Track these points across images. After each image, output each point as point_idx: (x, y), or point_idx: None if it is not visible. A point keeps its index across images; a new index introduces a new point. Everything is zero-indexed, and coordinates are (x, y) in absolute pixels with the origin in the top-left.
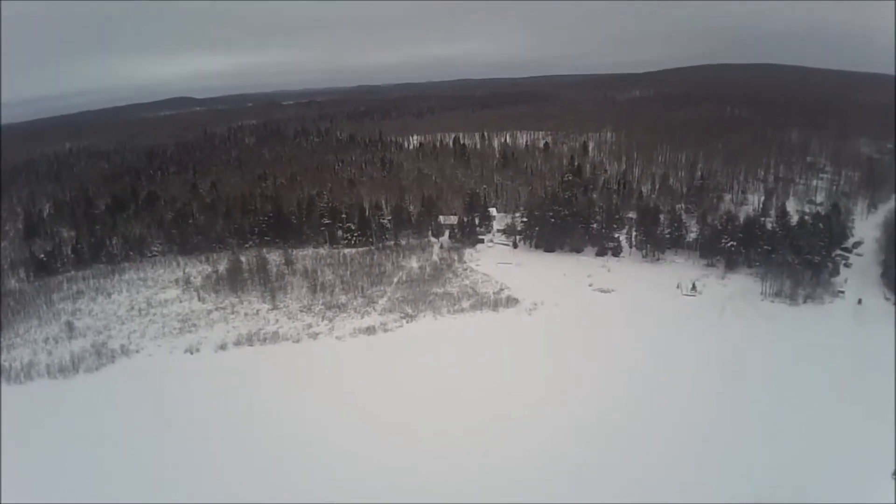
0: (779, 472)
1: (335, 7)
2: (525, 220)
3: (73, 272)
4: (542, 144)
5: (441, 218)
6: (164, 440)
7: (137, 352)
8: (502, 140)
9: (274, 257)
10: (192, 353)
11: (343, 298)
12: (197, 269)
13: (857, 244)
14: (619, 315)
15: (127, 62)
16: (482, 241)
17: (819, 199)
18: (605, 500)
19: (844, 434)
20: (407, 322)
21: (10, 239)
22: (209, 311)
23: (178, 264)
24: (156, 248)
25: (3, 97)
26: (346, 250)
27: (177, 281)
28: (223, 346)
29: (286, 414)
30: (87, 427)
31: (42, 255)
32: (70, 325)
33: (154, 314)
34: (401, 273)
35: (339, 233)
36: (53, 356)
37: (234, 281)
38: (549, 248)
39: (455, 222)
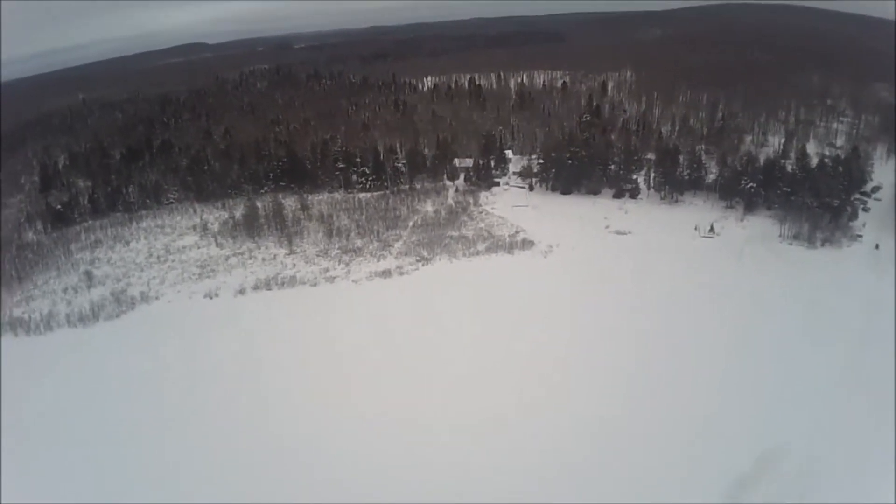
0: (791, 419)
1: None
2: (541, 162)
3: (90, 222)
4: (559, 85)
5: (456, 161)
6: (185, 384)
7: (157, 298)
8: (518, 80)
9: (289, 202)
10: (211, 298)
11: (359, 242)
12: (214, 216)
13: (875, 189)
14: (635, 257)
15: (135, 10)
16: (498, 183)
17: (839, 142)
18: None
19: (857, 381)
20: (423, 265)
21: (26, 192)
22: (227, 257)
23: (195, 211)
24: (172, 196)
25: (13, 52)
26: (361, 195)
27: (194, 227)
28: (242, 291)
29: (304, 357)
30: (109, 373)
31: (59, 207)
32: (89, 275)
33: (172, 261)
34: (416, 217)
35: (354, 177)
36: (73, 306)
37: (250, 226)
38: (566, 191)
39: (470, 165)
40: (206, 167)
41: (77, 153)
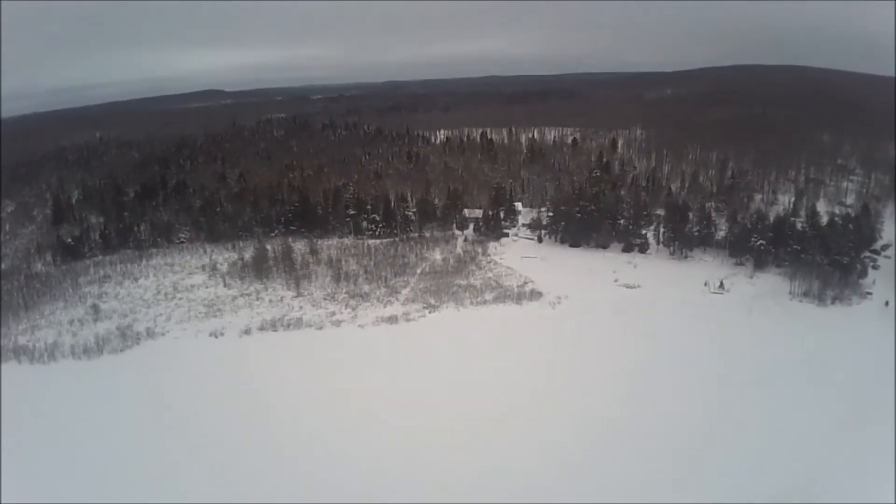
0: (799, 473)
1: (363, 4)
2: (551, 214)
3: (100, 257)
4: (570, 141)
5: (466, 211)
6: (186, 421)
7: (163, 334)
8: (530, 136)
9: (299, 246)
10: (216, 337)
11: (366, 288)
12: (223, 256)
13: (885, 247)
14: (644, 311)
15: (156, 55)
16: (507, 234)
17: (849, 200)
18: (611, 497)
19: (868, 434)
20: (429, 312)
21: (38, 224)
22: (234, 297)
23: (205, 251)
24: (183, 235)
25: (36, 86)
26: (371, 241)
27: (203, 267)
28: (247, 331)
29: (307, 398)
30: (111, 406)
31: (69, 240)
32: (96, 308)
33: (180, 298)
34: (424, 264)
35: (364, 224)
36: (78, 338)
37: (259, 268)
38: (575, 244)
39: (480, 216)
40: (218, 209)
41: (91, 189)
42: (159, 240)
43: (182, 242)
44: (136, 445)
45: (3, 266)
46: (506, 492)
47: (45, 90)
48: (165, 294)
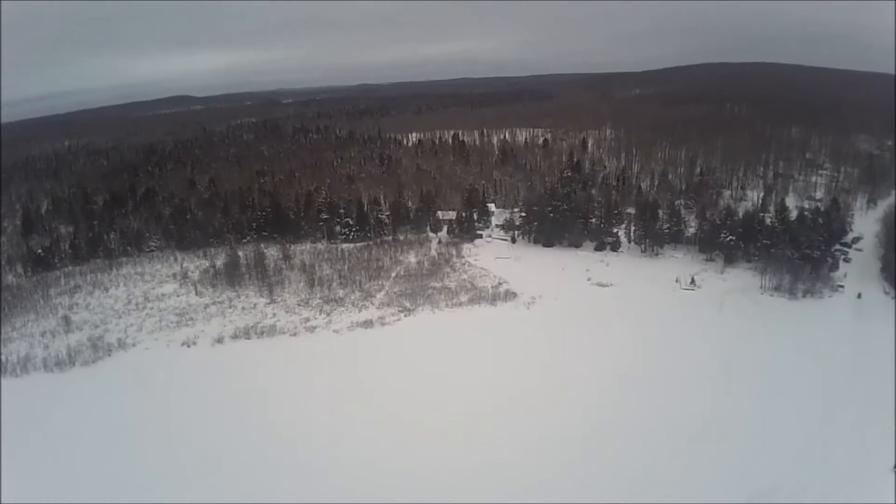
0: (777, 469)
1: (334, 6)
2: (524, 215)
3: (70, 267)
4: (541, 141)
5: (439, 213)
6: (159, 432)
7: (134, 345)
8: (501, 137)
9: (272, 252)
10: (188, 347)
11: (341, 293)
12: (195, 264)
13: (856, 239)
14: (617, 309)
15: (124, 60)
16: (480, 236)
17: (818, 195)
18: (591, 497)
19: (843, 429)
20: (405, 316)
21: (7, 235)
22: (206, 306)
23: (176, 259)
24: (153, 244)
25: (3, 96)
26: (344, 245)
27: (174, 275)
28: (220, 340)
29: (282, 407)
30: (83, 420)
31: (39, 251)
32: (67, 320)
33: (151, 308)
34: (399, 268)
35: (338, 228)
36: (50, 350)
37: (231, 275)
38: (548, 243)
39: (453, 217)
40: (188, 216)
41: (60, 198)
42: (129, 248)
43: (152, 251)
44: (110, 456)
45: None
46: (484, 492)
47: (11, 100)
48: (136, 304)
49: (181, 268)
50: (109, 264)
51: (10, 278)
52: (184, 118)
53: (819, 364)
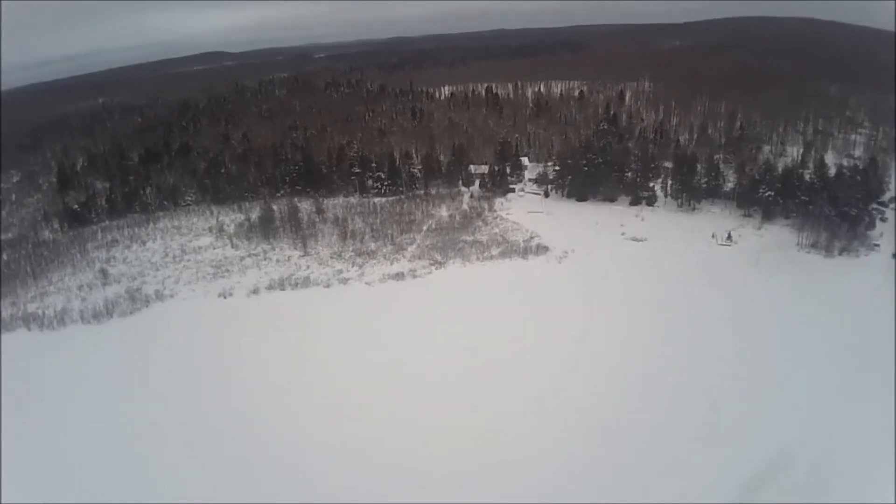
0: (805, 426)
1: None
2: (557, 168)
3: (107, 222)
4: (576, 94)
5: (472, 167)
6: (197, 382)
7: (171, 296)
8: (536, 89)
9: (305, 206)
10: (224, 298)
11: (373, 245)
12: (230, 218)
13: (893, 199)
14: (651, 264)
15: (157, 18)
16: (513, 190)
17: (857, 153)
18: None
19: (873, 389)
20: (436, 268)
21: (43, 192)
22: (242, 258)
23: (212, 213)
24: (189, 198)
25: (34, 57)
26: (376, 199)
27: (210, 229)
28: (255, 291)
29: (315, 356)
30: (122, 369)
31: (76, 206)
32: (104, 273)
33: (188, 260)
34: (430, 221)
35: (369, 182)
36: (87, 302)
37: (266, 228)
38: (582, 198)
39: (486, 171)
40: (223, 170)
41: (95, 155)
42: (165, 203)
43: (188, 205)
44: (147, 408)
45: (10, 235)
46: (516, 454)
47: (45, 60)
48: (173, 256)
49: (217, 221)
50: (146, 218)
51: (46, 234)
52: (216, 74)
53: (851, 323)
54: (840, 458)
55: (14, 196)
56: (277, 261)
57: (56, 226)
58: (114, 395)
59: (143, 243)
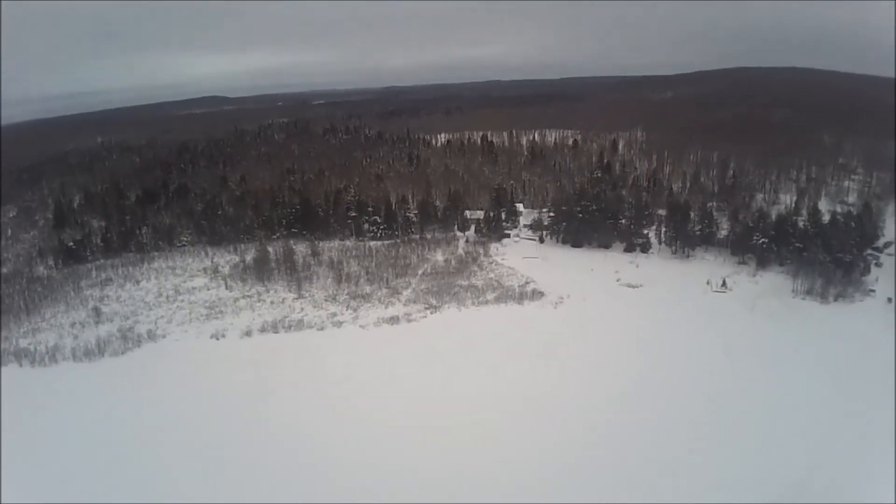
0: (804, 471)
1: (366, 8)
2: (552, 215)
3: (101, 260)
4: (571, 142)
5: (467, 212)
6: (188, 423)
7: (164, 336)
8: (531, 138)
9: (301, 248)
10: (217, 339)
11: (368, 289)
12: (225, 259)
13: (888, 244)
14: (646, 310)
15: (158, 60)
16: (508, 235)
17: (851, 199)
18: (617, 498)
19: (873, 432)
20: (431, 313)
21: (39, 228)
22: (236, 299)
23: (207, 254)
24: (185, 239)
25: (36, 93)
26: (372, 243)
27: (205, 270)
28: (248, 333)
29: (309, 399)
30: (111, 409)
31: (71, 244)
32: (97, 311)
33: (181, 301)
34: (426, 265)
35: (366, 226)
36: (79, 340)
37: (260, 270)
38: (577, 244)
39: (481, 217)
40: (220, 212)
41: (93, 193)
42: (161, 243)
43: (184, 245)
44: (137, 448)
45: (4, 270)
46: (508, 493)
47: (47, 96)
48: (167, 296)
49: (212, 262)
50: (141, 258)
51: (41, 270)
52: (216, 118)
53: (848, 368)
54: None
55: (10, 231)
56: (272, 303)
57: (51, 262)
58: (103, 436)
59: (137, 283)
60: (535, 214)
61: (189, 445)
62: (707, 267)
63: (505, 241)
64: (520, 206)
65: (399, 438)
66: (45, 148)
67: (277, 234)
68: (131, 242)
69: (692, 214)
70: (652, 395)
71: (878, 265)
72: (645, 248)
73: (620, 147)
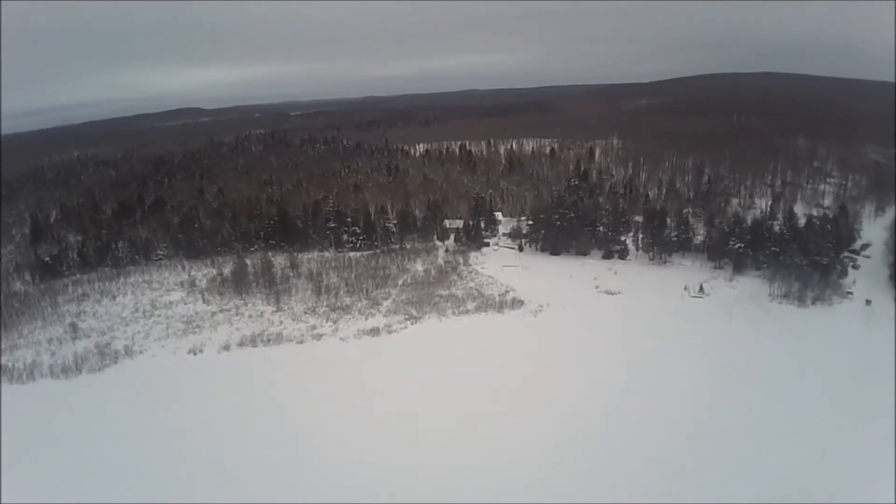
0: (782, 477)
1: (343, 20)
2: (531, 223)
3: (78, 275)
4: (548, 151)
5: (446, 222)
6: (164, 439)
7: (141, 352)
8: (508, 147)
9: (279, 260)
10: (195, 354)
11: (347, 300)
12: (202, 272)
13: (865, 246)
14: (625, 317)
15: (134, 73)
16: (487, 244)
17: (827, 202)
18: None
19: (851, 438)
20: (411, 323)
21: (16, 243)
22: (213, 313)
23: (184, 268)
24: (161, 252)
25: (10, 107)
26: (351, 254)
27: (182, 284)
28: (226, 347)
29: (287, 414)
30: (88, 427)
31: (48, 259)
32: (74, 327)
33: (158, 316)
34: (405, 276)
35: (345, 237)
36: (57, 356)
37: (238, 283)
38: (555, 252)
39: (460, 226)
40: (196, 225)
41: (69, 207)
42: (137, 257)
43: (160, 259)
44: (115, 463)
45: None
46: (484, 496)
47: (23, 111)
48: (143, 312)
49: (189, 276)
50: (117, 272)
51: (17, 286)
52: (192, 130)
53: (827, 371)
54: None
55: None
56: (250, 316)
57: (27, 278)
58: (80, 454)
59: (114, 298)
60: (513, 223)
61: (168, 462)
62: (684, 273)
63: (484, 249)
64: (498, 215)
65: (380, 451)
66: (22, 163)
67: (255, 247)
68: (107, 257)
69: (668, 221)
70: (634, 402)
71: (856, 268)
72: (623, 254)
73: (597, 155)
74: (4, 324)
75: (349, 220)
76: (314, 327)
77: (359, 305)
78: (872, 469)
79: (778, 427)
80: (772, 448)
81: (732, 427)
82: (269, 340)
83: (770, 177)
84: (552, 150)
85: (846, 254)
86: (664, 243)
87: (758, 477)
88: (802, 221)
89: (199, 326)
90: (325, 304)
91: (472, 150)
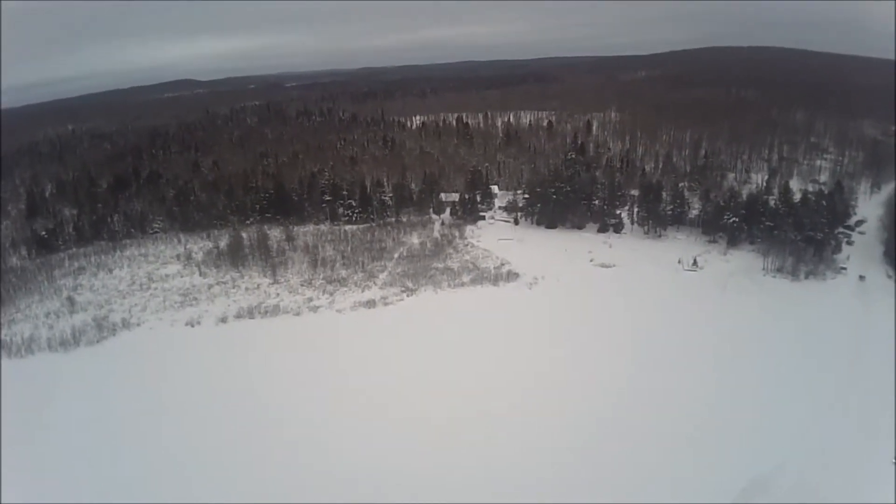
0: (776, 453)
1: None
2: (527, 197)
3: (74, 249)
4: (545, 124)
5: (442, 195)
6: (164, 411)
7: (138, 325)
8: (505, 120)
9: (275, 233)
10: (192, 326)
11: (343, 273)
12: (198, 245)
13: (859, 222)
14: (619, 290)
15: (128, 46)
16: (483, 217)
17: (822, 178)
18: (598, 494)
19: (844, 413)
20: (407, 296)
21: (12, 218)
22: (210, 286)
23: (180, 241)
24: (157, 226)
25: (7, 82)
26: (347, 227)
27: (178, 256)
28: (224, 319)
29: (284, 386)
30: (88, 398)
31: (43, 233)
32: (71, 300)
33: (155, 289)
34: (401, 249)
35: (341, 210)
36: (54, 330)
37: (235, 256)
38: (551, 225)
39: (456, 199)
40: (192, 198)
41: (64, 182)
42: (133, 230)
43: (156, 233)
44: (114, 436)
45: None
46: (487, 477)
47: (16, 85)
48: (140, 284)
49: (185, 249)
50: (113, 246)
51: (14, 261)
52: (187, 102)
53: (820, 346)
54: (825, 478)
55: None
56: (246, 289)
57: (24, 252)
58: (79, 426)
59: (111, 271)
60: (509, 196)
61: (169, 433)
62: (679, 246)
63: (480, 223)
64: (495, 189)
65: (377, 424)
66: (16, 137)
67: (251, 220)
68: (103, 230)
69: (664, 194)
70: (628, 375)
71: (850, 243)
72: (618, 228)
73: (594, 128)
74: (2, 298)
75: (345, 193)
76: (311, 299)
77: (355, 278)
78: (867, 441)
79: (767, 404)
80: (763, 421)
81: (724, 399)
82: (266, 312)
83: (767, 151)
84: (549, 122)
85: (841, 229)
86: (659, 217)
87: (749, 448)
88: (798, 197)
89: (195, 299)
90: (321, 276)
91: (469, 122)
